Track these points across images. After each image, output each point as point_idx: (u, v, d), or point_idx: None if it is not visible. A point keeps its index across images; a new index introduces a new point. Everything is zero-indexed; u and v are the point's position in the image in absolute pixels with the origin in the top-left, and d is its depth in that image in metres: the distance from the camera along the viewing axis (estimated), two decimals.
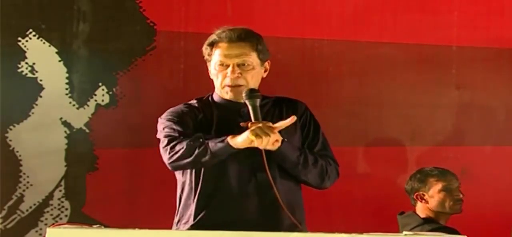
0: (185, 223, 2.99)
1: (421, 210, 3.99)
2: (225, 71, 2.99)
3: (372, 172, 4.56)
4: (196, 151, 2.88)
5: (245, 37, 3.02)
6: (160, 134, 3.03)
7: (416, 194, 3.99)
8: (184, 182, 3.04)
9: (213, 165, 2.92)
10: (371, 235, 2.65)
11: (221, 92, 3.04)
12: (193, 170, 2.99)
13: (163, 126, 3.03)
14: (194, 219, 2.96)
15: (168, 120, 3.03)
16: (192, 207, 2.98)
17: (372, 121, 4.61)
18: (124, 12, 4.46)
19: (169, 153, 2.93)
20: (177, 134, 2.96)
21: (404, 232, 2.72)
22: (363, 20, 4.60)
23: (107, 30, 4.45)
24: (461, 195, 3.96)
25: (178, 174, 3.07)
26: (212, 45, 3.04)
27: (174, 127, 2.99)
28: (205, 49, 3.07)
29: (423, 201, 3.97)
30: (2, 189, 4.34)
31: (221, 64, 3.00)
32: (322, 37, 4.57)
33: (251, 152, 2.91)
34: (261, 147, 2.84)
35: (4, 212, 4.34)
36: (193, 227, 2.95)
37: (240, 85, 2.98)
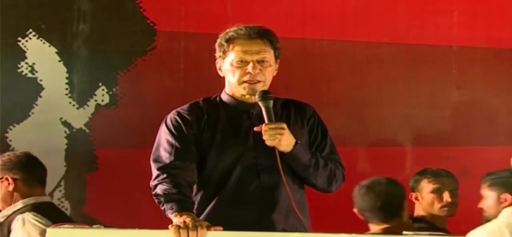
0: None
1: (417, 209, 4.02)
2: (245, 68, 2.96)
3: (372, 172, 4.56)
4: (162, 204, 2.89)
5: (264, 34, 3.00)
6: (156, 148, 3.02)
7: (411, 193, 4.02)
8: None
9: (217, 168, 2.93)
10: (371, 235, 2.65)
11: (237, 88, 2.99)
12: (197, 170, 2.98)
13: (160, 139, 3.01)
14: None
15: (169, 131, 3.00)
16: (194, 207, 2.97)
17: (372, 121, 4.61)
18: (124, 12, 4.46)
19: (153, 189, 2.95)
20: (165, 165, 2.94)
21: (404, 232, 2.72)
22: (363, 20, 4.60)
23: (107, 30, 4.45)
24: (451, 199, 3.97)
25: None
26: (229, 41, 2.99)
27: (167, 149, 2.96)
28: (220, 46, 3.02)
29: (417, 200, 4.01)
30: None
31: (240, 61, 2.97)
32: (322, 37, 4.57)
33: (257, 154, 2.92)
34: (277, 146, 2.86)
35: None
36: None
37: (259, 81, 2.97)
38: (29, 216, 3.55)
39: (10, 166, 3.71)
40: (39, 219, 3.55)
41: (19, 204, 3.65)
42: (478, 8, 4.65)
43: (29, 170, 3.74)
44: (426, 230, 3.69)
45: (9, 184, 3.68)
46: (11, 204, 3.67)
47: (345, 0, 4.61)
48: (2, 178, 3.68)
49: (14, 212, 3.63)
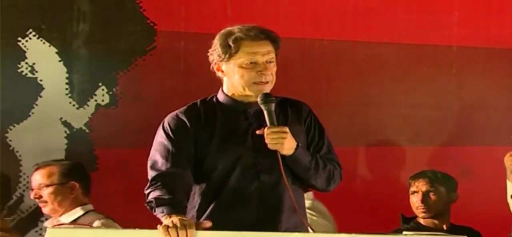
0: None
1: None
2: (255, 69, 2.95)
3: (372, 172, 4.57)
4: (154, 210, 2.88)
5: (269, 35, 3.01)
6: (153, 153, 3.01)
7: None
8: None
9: (216, 169, 2.92)
10: (371, 235, 2.65)
11: (246, 90, 2.97)
12: (196, 172, 2.97)
13: (157, 144, 3.01)
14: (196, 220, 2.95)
15: (165, 135, 2.99)
16: (195, 209, 2.97)
17: (372, 121, 4.61)
18: (124, 12, 4.46)
19: (146, 197, 2.94)
20: (160, 173, 2.94)
21: (404, 232, 2.72)
22: (363, 20, 4.60)
23: (107, 30, 4.46)
24: (420, 202, 3.98)
25: None
26: (235, 42, 2.96)
27: (163, 154, 2.96)
28: (225, 47, 2.96)
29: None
30: (2, 189, 4.34)
31: (250, 62, 2.95)
32: (322, 37, 4.57)
33: (257, 154, 2.92)
34: (280, 150, 2.86)
35: (4, 212, 4.34)
36: None
37: (266, 82, 2.98)
38: (108, 223, 3.56)
39: (73, 172, 3.76)
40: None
41: (79, 210, 3.66)
42: (478, 8, 4.66)
43: (87, 179, 3.86)
44: (411, 230, 3.73)
45: (73, 190, 3.69)
46: (66, 210, 3.67)
47: (345, 0, 4.61)
48: (66, 183, 3.68)
49: (78, 217, 3.64)
